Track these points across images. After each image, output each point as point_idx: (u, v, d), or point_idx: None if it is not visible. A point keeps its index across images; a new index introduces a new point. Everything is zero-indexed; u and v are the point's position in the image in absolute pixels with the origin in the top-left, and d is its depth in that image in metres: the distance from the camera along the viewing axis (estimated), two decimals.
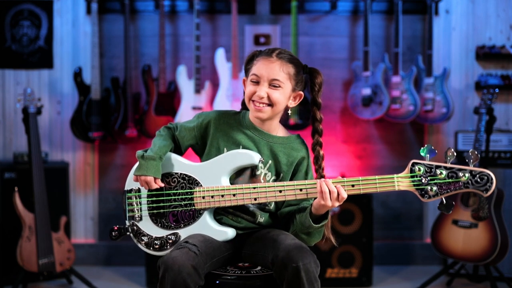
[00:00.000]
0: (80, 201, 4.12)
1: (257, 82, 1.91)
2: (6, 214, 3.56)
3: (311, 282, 1.74)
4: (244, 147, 1.96)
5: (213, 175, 1.93)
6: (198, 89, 3.86)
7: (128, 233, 2.01)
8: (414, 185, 1.69)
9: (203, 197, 1.92)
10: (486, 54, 4.04)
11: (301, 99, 1.98)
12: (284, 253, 1.75)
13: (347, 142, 4.15)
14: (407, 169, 1.71)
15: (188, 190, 1.94)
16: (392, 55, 3.94)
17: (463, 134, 3.85)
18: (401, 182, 1.70)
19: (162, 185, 1.95)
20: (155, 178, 1.93)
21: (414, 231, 4.16)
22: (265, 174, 1.96)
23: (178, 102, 3.90)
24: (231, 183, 1.94)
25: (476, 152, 1.60)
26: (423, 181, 1.67)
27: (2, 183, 3.61)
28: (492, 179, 1.58)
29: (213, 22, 4.11)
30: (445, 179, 1.64)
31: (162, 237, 1.95)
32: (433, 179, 1.65)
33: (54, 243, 3.44)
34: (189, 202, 1.93)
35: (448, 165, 1.64)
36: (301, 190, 1.82)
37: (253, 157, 1.90)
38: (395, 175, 1.71)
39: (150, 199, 1.98)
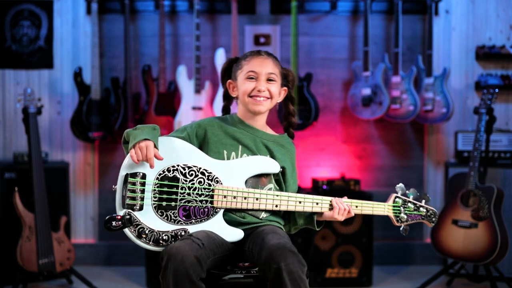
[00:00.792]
0: (80, 201, 4.12)
1: (254, 79, 2.01)
2: (6, 214, 3.56)
3: (295, 282, 1.72)
4: (243, 145, 2.00)
5: (235, 176, 1.92)
6: (198, 89, 3.86)
7: (129, 225, 1.83)
8: (394, 212, 2.10)
9: (225, 196, 1.90)
10: (486, 54, 4.04)
11: (285, 95, 2.12)
12: (267, 253, 1.76)
13: (347, 142, 4.16)
14: (391, 199, 2.09)
15: (209, 187, 1.90)
16: (392, 55, 3.94)
17: (463, 134, 3.85)
18: (387, 209, 2.09)
19: (161, 158, 1.85)
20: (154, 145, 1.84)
21: (414, 231, 4.16)
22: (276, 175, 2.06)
23: (178, 102, 3.90)
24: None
25: (427, 195, 2.15)
26: (401, 210, 2.11)
27: (2, 183, 3.61)
28: (436, 214, 2.15)
29: (213, 22, 4.11)
30: (412, 211, 2.12)
31: (168, 231, 1.84)
32: (406, 210, 2.12)
33: (54, 243, 3.44)
34: (206, 199, 1.89)
35: (417, 203, 2.14)
36: (317, 204, 1.99)
37: (276, 167, 1.98)
38: (385, 204, 2.08)
39: (160, 189, 1.85)
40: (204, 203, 1.89)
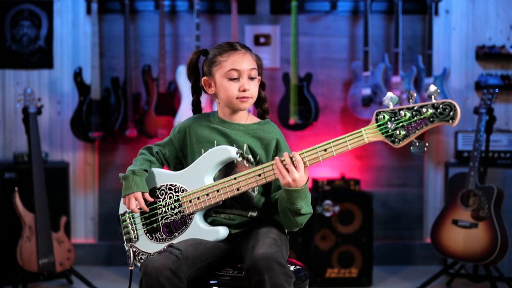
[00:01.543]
0: (80, 201, 4.12)
1: (237, 78, 1.93)
2: (6, 214, 3.56)
3: None
4: (218, 143, 1.97)
5: (196, 178, 1.93)
6: None
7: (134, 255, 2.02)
8: (382, 133, 1.68)
9: (190, 201, 1.92)
10: (486, 54, 4.04)
11: (259, 83, 2.02)
12: (251, 263, 1.71)
13: None
14: (373, 120, 1.69)
15: (175, 198, 1.95)
16: (392, 55, 3.94)
17: (463, 134, 3.85)
18: (370, 133, 1.70)
19: (151, 199, 1.97)
20: (142, 193, 1.95)
21: (414, 231, 4.16)
22: (247, 158, 1.97)
23: (178, 102, 3.90)
24: None
25: (435, 86, 1.60)
26: (389, 126, 1.65)
27: (2, 183, 3.61)
28: (455, 106, 1.57)
29: (213, 22, 4.11)
30: (410, 119, 1.62)
31: (159, 251, 1.93)
32: (399, 122, 1.64)
33: (54, 243, 3.44)
34: (179, 209, 1.95)
35: (410, 105, 1.63)
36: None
37: (229, 150, 1.91)
38: (362, 129, 1.70)
39: (143, 216, 2.00)
40: (178, 215, 1.95)
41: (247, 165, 1.96)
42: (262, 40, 4.06)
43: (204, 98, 3.88)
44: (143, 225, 2.00)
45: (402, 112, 1.64)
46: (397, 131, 1.65)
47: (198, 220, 1.93)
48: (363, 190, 3.85)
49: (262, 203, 1.98)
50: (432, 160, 4.15)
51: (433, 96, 1.60)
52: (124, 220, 2.04)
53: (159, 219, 1.97)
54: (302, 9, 4.06)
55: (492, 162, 3.69)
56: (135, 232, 2.02)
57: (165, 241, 1.96)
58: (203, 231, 1.92)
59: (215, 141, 1.98)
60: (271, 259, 1.69)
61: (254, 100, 2.00)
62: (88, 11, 4.04)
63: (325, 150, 1.77)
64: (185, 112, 3.83)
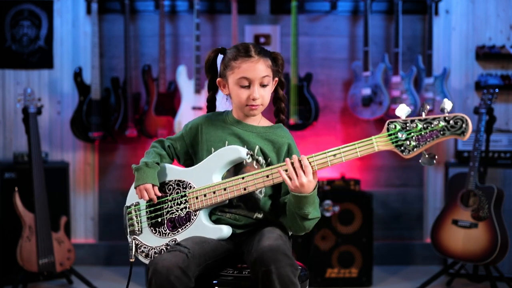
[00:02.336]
0: (80, 201, 4.12)
1: (247, 86, 1.95)
2: (6, 214, 3.56)
3: (285, 285, 1.68)
4: (229, 144, 1.98)
5: (204, 176, 1.95)
6: (198, 89, 3.85)
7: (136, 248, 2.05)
8: (393, 143, 1.68)
9: (197, 197, 1.94)
10: (486, 54, 4.04)
11: (276, 84, 2.03)
12: (258, 255, 1.72)
13: (347, 142, 4.13)
14: (384, 129, 1.70)
15: (182, 194, 1.97)
16: (392, 55, 3.94)
17: None
18: (380, 142, 1.70)
19: (160, 194, 1.99)
20: (153, 185, 1.97)
21: (414, 231, 4.16)
22: (257, 159, 1.98)
23: (178, 102, 3.90)
24: None
25: (448, 99, 1.60)
26: (400, 136, 1.66)
27: (2, 183, 3.61)
28: (467, 120, 1.58)
29: (213, 22, 4.11)
30: (421, 130, 1.63)
31: (162, 245, 1.97)
32: (410, 133, 1.65)
33: (54, 243, 3.44)
34: (185, 205, 1.96)
35: (423, 117, 1.64)
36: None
37: (240, 151, 1.92)
38: (373, 137, 1.70)
39: (148, 210, 2.02)
40: (184, 210, 1.96)
41: (256, 166, 1.97)
42: (262, 40, 4.06)
43: (204, 98, 3.90)
44: (147, 218, 2.02)
45: (413, 124, 1.65)
46: (408, 142, 1.67)
47: (202, 217, 1.94)
48: (363, 190, 3.85)
49: (268, 206, 1.99)
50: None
51: (445, 110, 1.60)
52: (130, 213, 2.05)
53: (164, 213, 1.99)
54: (302, 9, 4.06)
55: (492, 162, 3.69)
56: (139, 225, 2.03)
57: (168, 236, 1.97)
58: (207, 229, 1.93)
59: (227, 141, 2.00)
60: (278, 250, 1.71)
61: (265, 107, 2.00)
62: (88, 11, 4.04)
63: (335, 155, 1.79)
64: (185, 112, 3.83)
